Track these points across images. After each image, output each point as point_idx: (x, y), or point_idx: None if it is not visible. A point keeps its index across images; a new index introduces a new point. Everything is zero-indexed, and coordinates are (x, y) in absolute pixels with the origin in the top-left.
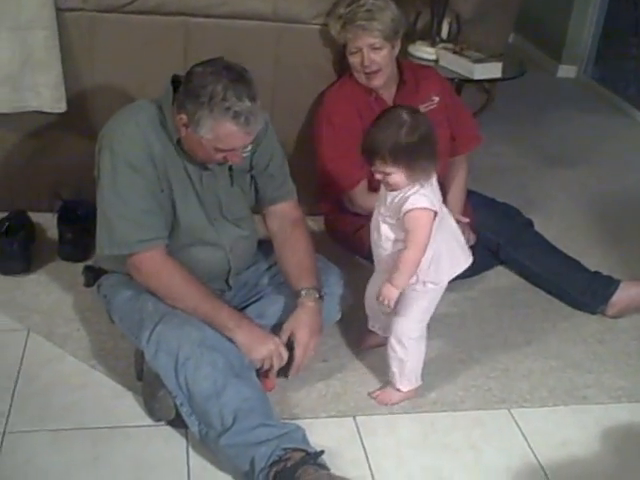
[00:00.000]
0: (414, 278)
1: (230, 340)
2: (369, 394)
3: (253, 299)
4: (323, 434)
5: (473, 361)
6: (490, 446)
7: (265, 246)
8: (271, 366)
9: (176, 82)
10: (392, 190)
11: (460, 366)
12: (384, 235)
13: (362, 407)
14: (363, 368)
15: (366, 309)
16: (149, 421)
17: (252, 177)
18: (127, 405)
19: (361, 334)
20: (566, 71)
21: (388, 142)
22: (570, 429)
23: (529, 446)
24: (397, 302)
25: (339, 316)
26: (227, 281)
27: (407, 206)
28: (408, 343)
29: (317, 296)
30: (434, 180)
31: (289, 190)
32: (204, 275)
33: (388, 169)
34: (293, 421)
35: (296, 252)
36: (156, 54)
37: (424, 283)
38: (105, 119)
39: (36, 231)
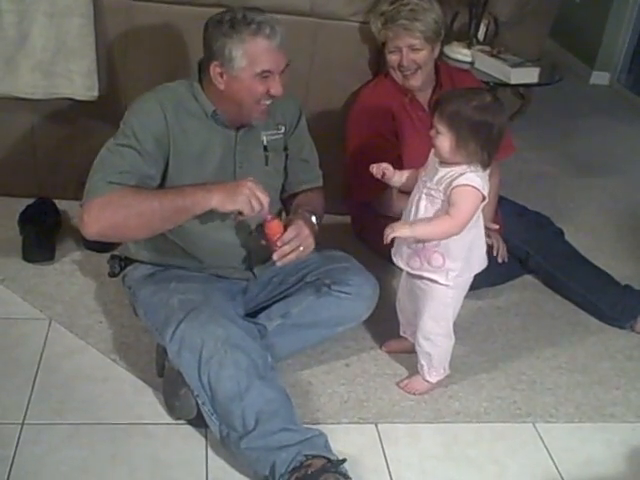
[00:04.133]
0: (441, 260)
1: (253, 337)
2: (397, 383)
3: (278, 297)
4: (344, 441)
5: (498, 372)
6: (514, 461)
7: None
8: (270, 221)
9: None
10: (436, 155)
11: (485, 377)
12: (421, 211)
13: (385, 414)
14: (386, 374)
15: (398, 314)
16: (169, 419)
17: (286, 158)
18: (147, 402)
19: (386, 338)
20: (599, 78)
21: (456, 103)
22: (596, 447)
23: (553, 463)
24: (419, 299)
25: (367, 315)
26: (250, 268)
27: (461, 180)
28: (434, 338)
29: (314, 219)
30: (487, 173)
31: (318, 176)
32: (227, 260)
33: (440, 127)
34: (314, 426)
35: (308, 198)
36: (191, 45)
37: (447, 272)
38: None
39: (62, 219)
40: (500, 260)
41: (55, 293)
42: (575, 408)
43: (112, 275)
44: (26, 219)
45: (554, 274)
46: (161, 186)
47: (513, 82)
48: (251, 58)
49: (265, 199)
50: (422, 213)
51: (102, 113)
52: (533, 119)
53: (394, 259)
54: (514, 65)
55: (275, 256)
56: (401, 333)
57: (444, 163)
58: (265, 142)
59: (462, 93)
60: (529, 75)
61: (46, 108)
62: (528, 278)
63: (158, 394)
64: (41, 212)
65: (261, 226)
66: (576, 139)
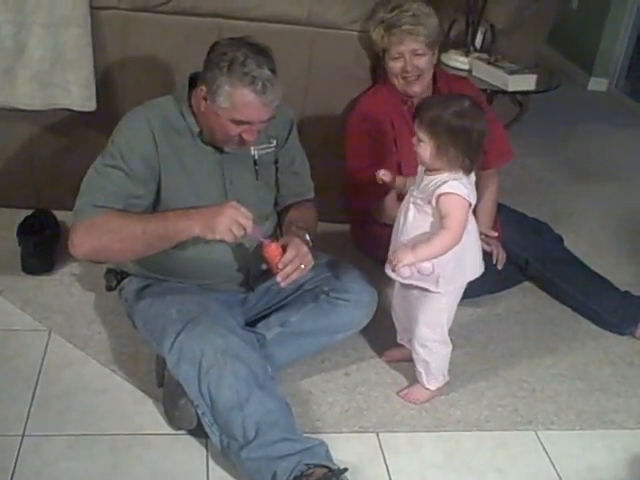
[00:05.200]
0: (430, 268)
1: (253, 347)
2: (397, 393)
3: (276, 306)
4: (345, 450)
5: (499, 380)
6: (515, 469)
7: None
8: (268, 245)
9: (194, 79)
10: (421, 162)
11: (485, 385)
12: (410, 219)
13: (385, 423)
14: (386, 383)
15: (394, 321)
16: (169, 429)
17: (277, 170)
18: (147, 412)
19: (386, 347)
20: (597, 84)
21: (434, 109)
22: (598, 454)
23: (555, 470)
24: (413, 307)
25: (366, 322)
26: (247, 282)
27: (443, 189)
28: (431, 345)
29: (307, 236)
30: (472, 179)
31: (310, 188)
32: (223, 275)
33: (421, 134)
34: (315, 435)
35: (300, 213)
36: (189, 56)
37: (437, 280)
38: None
39: (61, 230)
40: (499, 267)
41: (54, 304)
42: (576, 415)
43: (109, 289)
44: (25, 230)
45: (553, 281)
46: (156, 204)
47: (511, 89)
48: (233, 104)
49: (248, 223)
50: (410, 221)
51: (100, 124)
52: (531, 125)
53: (385, 269)
54: (511, 72)
55: (279, 278)
56: (398, 340)
57: (429, 171)
58: (256, 156)
59: (441, 99)
60: (527, 82)
61: (44, 119)
62: (527, 285)
63: (158, 404)
64: (40, 223)
65: (259, 248)
66: (574, 145)
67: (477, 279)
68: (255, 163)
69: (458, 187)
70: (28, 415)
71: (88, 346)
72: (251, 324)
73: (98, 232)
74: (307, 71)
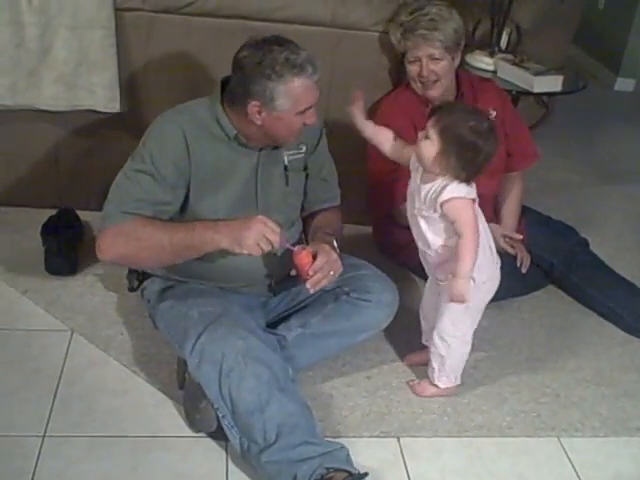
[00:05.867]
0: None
1: (273, 349)
2: (407, 382)
3: (297, 307)
4: (366, 454)
5: (522, 385)
6: (538, 477)
7: None
8: (299, 252)
9: (226, 83)
10: (417, 158)
11: (509, 390)
12: (424, 230)
13: (406, 428)
14: (408, 387)
15: (421, 321)
16: (189, 432)
17: (306, 177)
18: (168, 414)
19: (408, 350)
20: (624, 84)
21: (454, 116)
22: (623, 462)
23: (579, 478)
24: (442, 300)
25: (387, 322)
26: (270, 286)
27: (445, 195)
28: (450, 340)
29: (335, 243)
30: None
31: (337, 195)
32: (247, 280)
33: (431, 133)
34: (336, 439)
35: (327, 219)
36: (213, 57)
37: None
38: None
39: (84, 230)
40: (524, 270)
41: (77, 305)
42: (601, 422)
43: (131, 290)
44: (48, 230)
45: (579, 284)
46: (183, 207)
47: (536, 91)
48: (294, 99)
49: (276, 238)
50: (425, 232)
51: (124, 125)
52: (556, 127)
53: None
54: (537, 73)
55: (309, 285)
56: (423, 341)
57: (425, 178)
58: (286, 162)
59: (465, 109)
60: (552, 83)
61: (68, 120)
62: (552, 289)
63: (179, 406)
64: (63, 223)
65: (289, 255)
66: (600, 146)
67: (502, 282)
68: (285, 169)
69: (456, 189)
70: (49, 416)
71: (110, 347)
72: (272, 326)
73: (125, 239)
74: (330, 73)
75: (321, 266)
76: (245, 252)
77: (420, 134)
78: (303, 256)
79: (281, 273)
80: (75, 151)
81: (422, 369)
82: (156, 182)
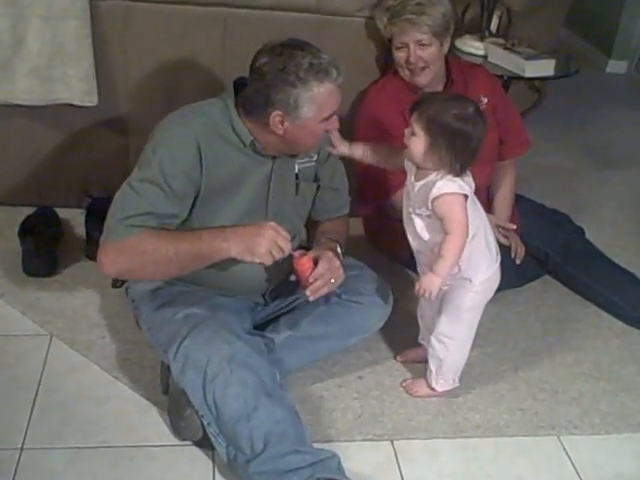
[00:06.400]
0: (456, 268)
1: (260, 353)
2: (400, 383)
3: (286, 309)
4: (358, 459)
5: (519, 381)
6: (537, 477)
7: None
8: (299, 258)
9: (239, 85)
10: (409, 157)
11: (505, 387)
12: (418, 229)
13: (400, 430)
14: (401, 387)
15: (418, 320)
16: (174, 440)
17: (318, 188)
18: (151, 422)
19: (402, 349)
20: (616, 66)
21: (437, 107)
22: (624, 460)
23: (580, 478)
24: (440, 299)
25: (380, 325)
26: (264, 295)
27: (434, 192)
28: (448, 342)
29: (339, 249)
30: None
31: (346, 203)
32: (242, 287)
33: (416, 128)
34: (327, 444)
35: (333, 225)
36: (193, 47)
37: (468, 272)
38: (138, 113)
39: (64, 229)
40: (518, 262)
41: (56, 307)
42: (601, 418)
43: (114, 285)
44: (26, 230)
45: (575, 275)
46: (188, 216)
47: (528, 75)
48: (319, 106)
49: (287, 246)
50: (420, 231)
51: (103, 119)
52: (549, 110)
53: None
54: (528, 57)
55: (308, 292)
56: (419, 340)
57: (418, 175)
58: (297, 170)
59: (445, 97)
60: (544, 67)
61: (45, 115)
62: (548, 279)
63: (163, 413)
64: (42, 222)
65: (287, 263)
66: (594, 130)
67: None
68: (297, 177)
69: (446, 185)
70: (28, 426)
71: (91, 351)
72: (260, 327)
73: (129, 253)
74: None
75: (322, 273)
76: (257, 260)
77: (406, 132)
78: (304, 262)
79: (278, 281)
80: (53, 147)
81: (416, 367)
82: (164, 194)
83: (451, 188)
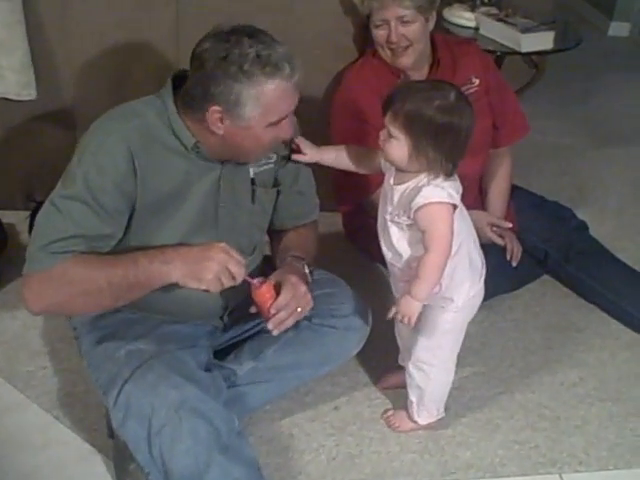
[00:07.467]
0: (437, 287)
1: (216, 395)
2: (381, 415)
3: (248, 333)
4: None
5: (516, 406)
6: None
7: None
8: (258, 287)
9: (179, 78)
10: (390, 162)
11: (500, 415)
12: (395, 241)
13: (381, 473)
14: (383, 420)
15: (397, 337)
16: None
17: (278, 193)
18: (95, 473)
19: (384, 371)
20: (618, 29)
21: (414, 102)
22: None
23: None
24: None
25: (357, 349)
26: (222, 318)
27: (419, 200)
28: (428, 370)
29: (307, 269)
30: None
31: (314, 207)
32: (195, 314)
33: (394, 130)
34: None
35: (299, 237)
36: (142, 31)
37: (450, 292)
38: (82, 106)
39: (7, 236)
40: (514, 264)
41: None
42: (609, 450)
43: None
44: None
45: (578, 276)
46: (124, 235)
47: (524, 50)
48: (265, 106)
49: (240, 271)
50: (397, 243)
51: (45, 113)
52: (547, 81)
53: (396, 295)
54: (525, 30)
55: (271, 325)
56: (400, 361)
57: (399, 177)
58: (252, 174)
59: (421, 88)
60: (543, 40)
61: None
62: (547, 279)
63: (108, 462)
64: None
65: (247, 286)
66: (596, 102)
67: (490, 279)
68: (253, 183)
69: (432, 193)
70: None
71: (30, 386)
72: (221, 352)
73: (55, 285)
74: (283, 41)
75: (285, 303)
76: (202, 287)
77: (381, 135)
78: (264, 291)
79: (237, 301)
80: None
81: (400, 393)
82: (92, 212)
83: (439, 197)
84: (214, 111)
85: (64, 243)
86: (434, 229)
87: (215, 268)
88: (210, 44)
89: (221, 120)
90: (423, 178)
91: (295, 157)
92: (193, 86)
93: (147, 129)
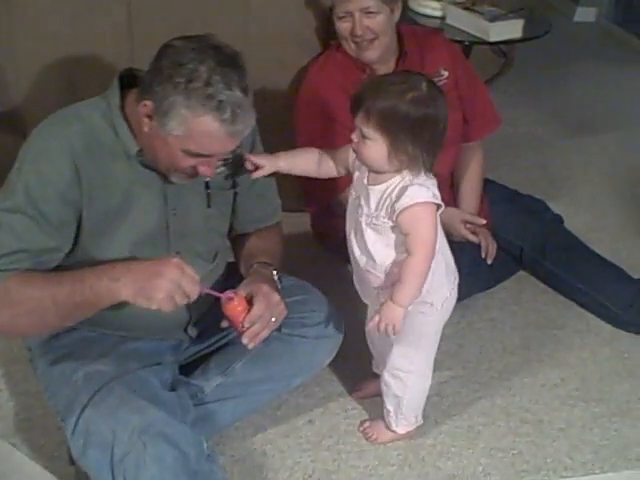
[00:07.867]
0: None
1: (182, 415)
2: (358, 427)
3: (216, 345)
4: None
5: (497, 411)
6: None
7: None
8: (229, 301)
9: (128, 77)
10: (366, 165)
11: (481, 420)
12: (370, 243)
13: None
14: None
15: (369, 345)
16: None
17: (235, 195)
18: None
19: (359, 380)
20: (584, 14)
21: (385, 99)
22: None
23: None
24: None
25: (330, 359)
26: (186, 330)
27: (405, 201)
28: (405, 377)
29: (275, 273)
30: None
31: (276, 209)
32: (155, 330)
33: (368, 131)
34: None
35: (263, 241)
36: (93, 32)
37: (430, 296)
38: (35, 107)
39: None
40: (489, 261)
41: None
42: (594, 452)
43: None
44: None
45: (554, 271)
46: (72, 249)
47: (493, 39)
48: (189, 132)
49: (194, 289)
50: (372, 243)
51: None
52: (515, 70)
53: (365, 301)
54: (493, 18)
55: (245, 340)
56: (374, 369)
57: (375, 177)
58: (207, 178)
59: (390, 82)
60: (511, 29)
61: None
62: (524, 275)
63: None
64: None
65: (215, 299)
66: (566, 90)
67: (465, 278)
68: (207, 187)
69: (418, 193)
70: None
71: None
72: (188, 366)
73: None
74: (242, 38)
75: (260, 314)
76: (153, 307)
77: (353, 137)
78: (235, 305)
79: (201, 311)
80: None
81: (377, 402)
82: (35, 224)
83: (425, 197)
84: (145, 105)
85: (6, 260)
86: (418, 232)
87: (167, 286)
88: (180, 45)
89: (149, 117)
90: (405, 176)
91: (255, 175)
92: (147, 72)
93: (91, 133)
